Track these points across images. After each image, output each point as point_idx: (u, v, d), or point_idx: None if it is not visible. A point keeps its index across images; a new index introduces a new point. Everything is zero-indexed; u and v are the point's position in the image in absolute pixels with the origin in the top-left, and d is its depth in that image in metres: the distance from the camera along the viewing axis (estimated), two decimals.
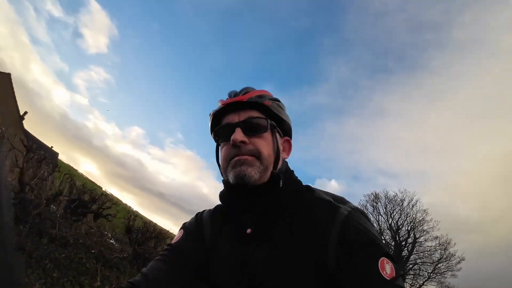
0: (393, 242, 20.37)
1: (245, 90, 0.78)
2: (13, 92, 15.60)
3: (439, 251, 18.70)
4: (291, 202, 0.72)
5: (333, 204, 0.67)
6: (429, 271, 19.05)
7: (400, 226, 20.50)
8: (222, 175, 0.78)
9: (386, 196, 21.40)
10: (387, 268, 0.57)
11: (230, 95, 0.79)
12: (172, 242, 0.81)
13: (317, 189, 0.77)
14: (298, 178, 0.81)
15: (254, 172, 0.69)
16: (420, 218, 19.64)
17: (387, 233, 20.81)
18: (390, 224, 20.82)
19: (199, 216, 0.87)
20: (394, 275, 0.57)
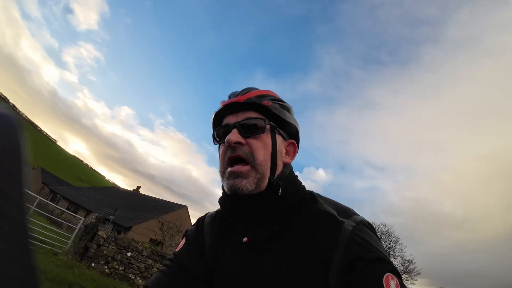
0: None
1: (245, 91, 0.75)
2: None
3: (403, 266, 26.23)
4: (292, 212, 0.69)
5: (336, 220, 0.64)
6: None
7: None
8: (220, 176, 0.73)
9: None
10: (392, 285, 0.54)
11: (231, 95, 0.77)
12: (176, 250, 0.80)
13: (321, 197, 0.73)
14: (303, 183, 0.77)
15: (249, 184, 0.66)
16: (393, 244, 27.57)
17: None
18: None
19: (200, 222, 0.84)
20: None
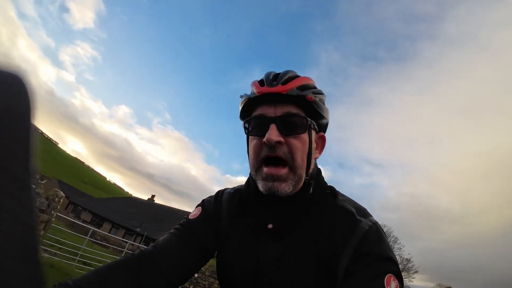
0: None
1: (287, 77, 0.68)
2: None
3: (401, 265, 31.83)
4: (315, 205, 0.71)
5: (355, 217, 0.66)
6: None
7: None
8: (250, 169, 0.72)
9: None
10: (392, 285, 0.56)
11: (267, 79, 0.69)
12: (189, 217, 0.80)
13: (340, 194, 0.75)
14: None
15: (287, 187, 0.66)
16: (392, 244, 29.19)
17: None
18: None
19: (219, 196, 0.84)
20: None
